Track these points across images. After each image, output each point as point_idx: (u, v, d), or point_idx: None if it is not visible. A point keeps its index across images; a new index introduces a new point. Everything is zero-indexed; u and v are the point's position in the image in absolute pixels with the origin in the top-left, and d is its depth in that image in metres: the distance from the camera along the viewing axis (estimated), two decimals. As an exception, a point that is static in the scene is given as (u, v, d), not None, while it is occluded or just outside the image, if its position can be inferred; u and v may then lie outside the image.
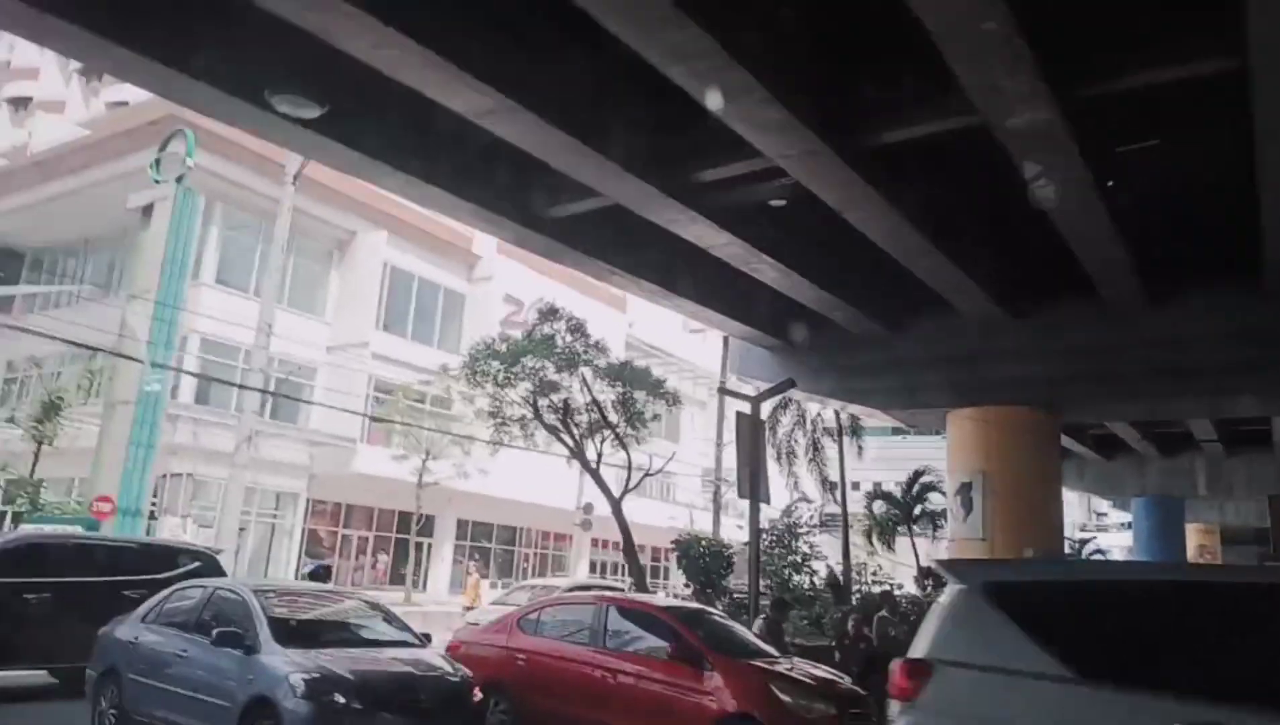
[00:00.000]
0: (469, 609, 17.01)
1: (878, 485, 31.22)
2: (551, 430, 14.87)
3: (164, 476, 16.63)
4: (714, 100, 7.03)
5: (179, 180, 17.43)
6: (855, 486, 25.56)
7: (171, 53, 7.10)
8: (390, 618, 7.57)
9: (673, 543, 15.37)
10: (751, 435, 10.33)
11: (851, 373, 14.94)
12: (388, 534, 33.41)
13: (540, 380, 14.23)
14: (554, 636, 7.75)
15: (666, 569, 47.79)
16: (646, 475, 15.60)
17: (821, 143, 7.80)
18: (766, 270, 11.64)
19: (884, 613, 9.90)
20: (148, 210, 17.43)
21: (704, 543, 15.17)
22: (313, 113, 7.38)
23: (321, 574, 8.89)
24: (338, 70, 7.36)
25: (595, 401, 14.44)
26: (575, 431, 14.80)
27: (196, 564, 9.61)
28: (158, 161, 18.89)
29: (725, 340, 30.37)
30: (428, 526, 34.32)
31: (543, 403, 14.45)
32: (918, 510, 22.05)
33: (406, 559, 33.47)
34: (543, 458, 27.91)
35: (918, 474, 22.02)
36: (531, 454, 27.00)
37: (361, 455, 29.18)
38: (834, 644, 9.48)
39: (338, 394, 29.66)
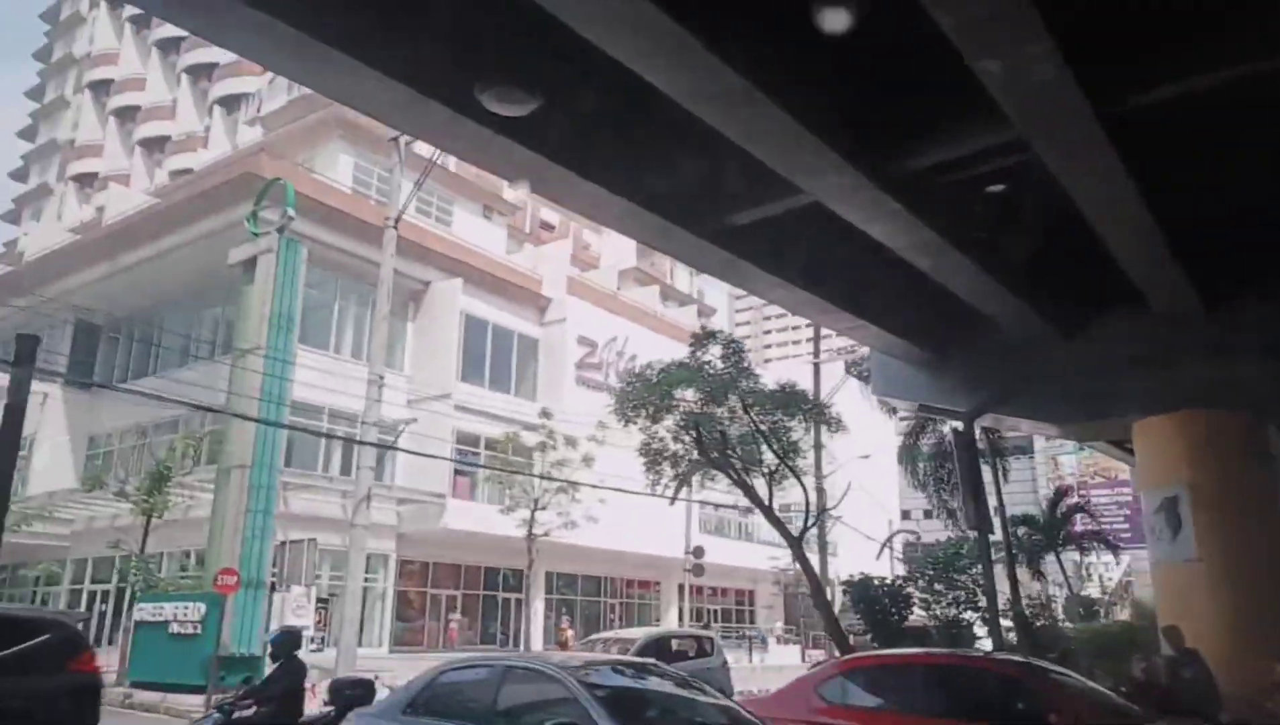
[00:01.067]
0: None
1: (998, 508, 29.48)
2: (715, 465, 13.67)
3: (282, 544, 15.74)
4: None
5: (280, 231, 16.83)
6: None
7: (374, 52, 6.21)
8: (702, 689, 6.06)
9: (844, 583, 14.04)
10: (968, 458, 9.12)
11: (1018, 384, 13.62)
12: (475, 591, 32.34)
13: (689, 412, 13.08)
14: (873, 707, 6.41)
15: (751, 612, 46.36)
16: (823, 513, 14.31)
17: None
18: (949, 268, 10.50)
19: (1169, 652, 8.57)
20: (250, 264, 16.81)
21: (877, 581, 13.83)
22: (525, 107, 6.45)
23: (286, 643, 7.28)
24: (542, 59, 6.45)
25: (760, 431, 13.25)
26: (736, 466, 13.61)
27: (45, 637, 7.85)
28: (254, 215, 18.36)
29: (816, 368, 29.41)
30: (518, 581, 33.27)
31: (690, 436, 13.26)
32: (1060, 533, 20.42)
33: (496, 616, 32.45)
34: (630, 503, 27.09)
35: (1060, 494, 20.45)
36: (626, 499, 26.31)
37: (450, 511, 28.25)
38: (1121, 689, 8.12)
39: (423, 448, 29.00)
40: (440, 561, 30.65)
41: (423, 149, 35.53)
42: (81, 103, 45.44)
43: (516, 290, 33.25)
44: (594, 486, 20.05)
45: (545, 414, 23.51)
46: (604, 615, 37.13)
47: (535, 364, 34.10)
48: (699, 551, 25.82)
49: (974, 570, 14.49)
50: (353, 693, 6.78)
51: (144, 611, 14.91)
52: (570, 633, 28.68)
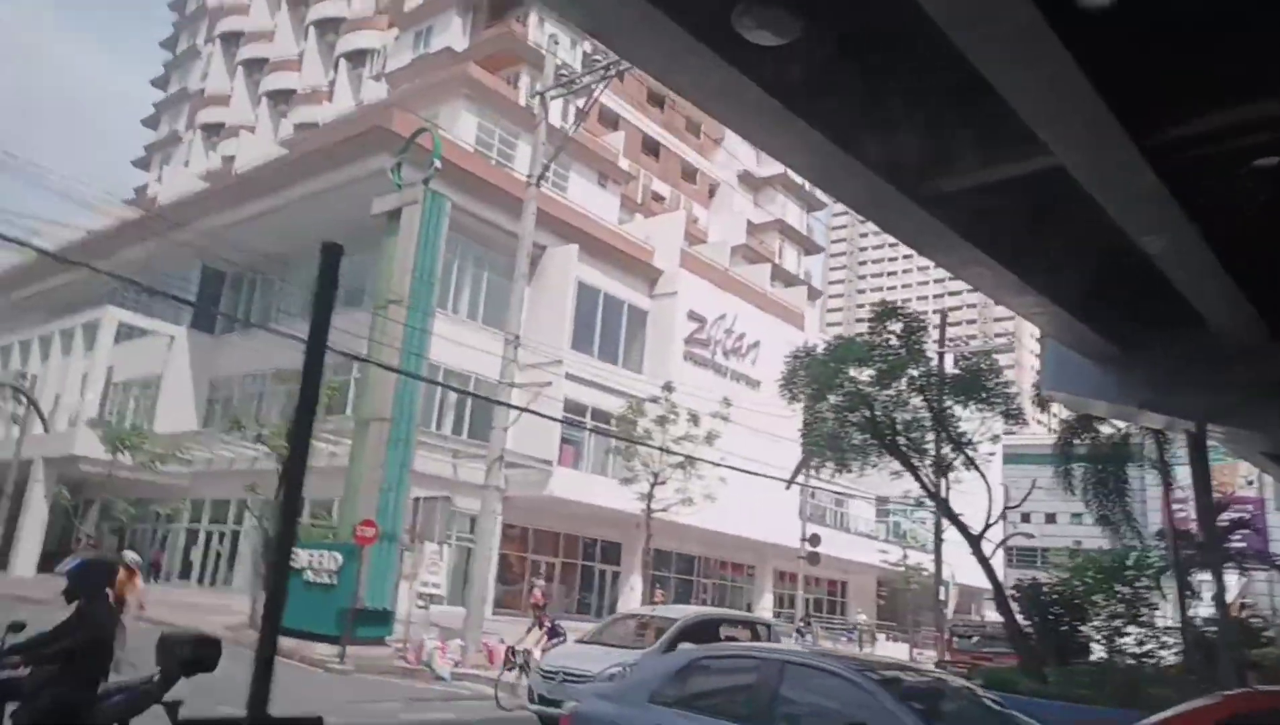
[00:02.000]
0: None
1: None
2: (892, 451, 12.76)
3: (416, 500, 15.57)
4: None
5: (426, 182, 16.56)
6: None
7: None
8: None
9: (1014, 588, 13.04)
10: (1201, 463, 8.11)
11: (1225, 388, 12.35)
12: (573, 560, 32.20)
13: (856, 392, 12.18)
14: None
15: (843, 604, 45.35)
16: (1008, 509, 13.32)
17: None
18: (1181, 254, 9.39)
19: None
20: (393, 216, 16.58)
21: (1046, 587, 12.78)
22: (782, 36, 5.68)
23: (87, 577, 5.22)
24: None
25: (938, 414, 12.29)
26: (906, 451, 12.66)
27: None
28: (398, 166, 18.15)
29: (940, 358, 28.04)
30: (614, 554, 33.04)
31: (856, 417, 12.38)
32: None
33: (592, 586, 32.32)
34: (732, 484, 26.39)
35: (1219, 506, 18.89)
36: (728, 480, 25.63)
37: (556, 478, 28.01)
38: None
39: (531, 413, 28.87)
40: (541, 528, 30.53)
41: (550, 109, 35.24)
42: (212, 53, 46.58)
43: (629, 260, 32.69)
44: (716, 464, 19.36)
45: (667, 387, 22.89)
46: (695, 594, 36.65)
47: (643, 336, 33.56)
48: (815, 539, 24.84)
49: (1139, 583, 13.37)
50: (193, 653, 4.80)
51: (279, 558, 14.87)
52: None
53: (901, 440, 12.59)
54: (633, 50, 7.71)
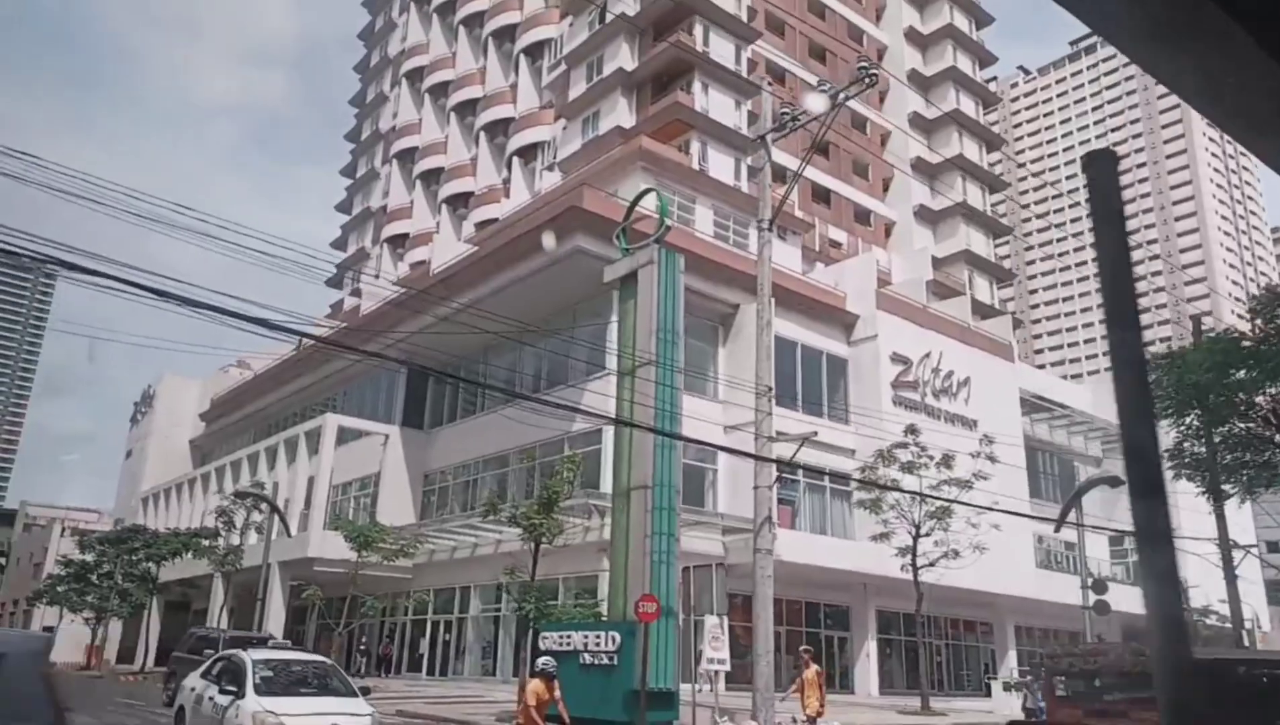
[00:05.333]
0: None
1: None
2: None
3: (686, 570, 14.86)
4: None
5: (656, 242, 16.31)
6: None
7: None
8: None
9: None
10: None
11: None
12: (798, 628, 30.45)
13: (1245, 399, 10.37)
14: None
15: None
16: None
17: None
18: None
19: None
20: (628, 279, 16.38)
21: None
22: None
23: None
24: None
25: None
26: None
27: None
28: (623, 231, 18.09)
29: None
30: (840, 618, 31.18)
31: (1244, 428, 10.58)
32: None
33: (820, 657, 30.53)
34: (956, 532, 24.25)
35: None
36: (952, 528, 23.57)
37: (778, 541, 26.64)
38: None
39: (740, 477, 27.95)
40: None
41: (722, 169, 34.90)
42: (390, 172, 49.78)
43: (822, 309, 31.58)
44: (988, 508, 17.65)
45: (912, 430, 21.38)
46: (928, 658, 33.96)
47: (844, 385, 32.17)
48: (1101, 585, 22.05)
49: None
50: None
51: (549, 640, 14.43)
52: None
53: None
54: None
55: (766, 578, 13.75)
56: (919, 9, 47.28)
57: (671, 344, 15.48)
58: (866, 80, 14.64)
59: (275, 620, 30.78)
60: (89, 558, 36.74)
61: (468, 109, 45.43)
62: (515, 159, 40.40)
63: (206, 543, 32.39)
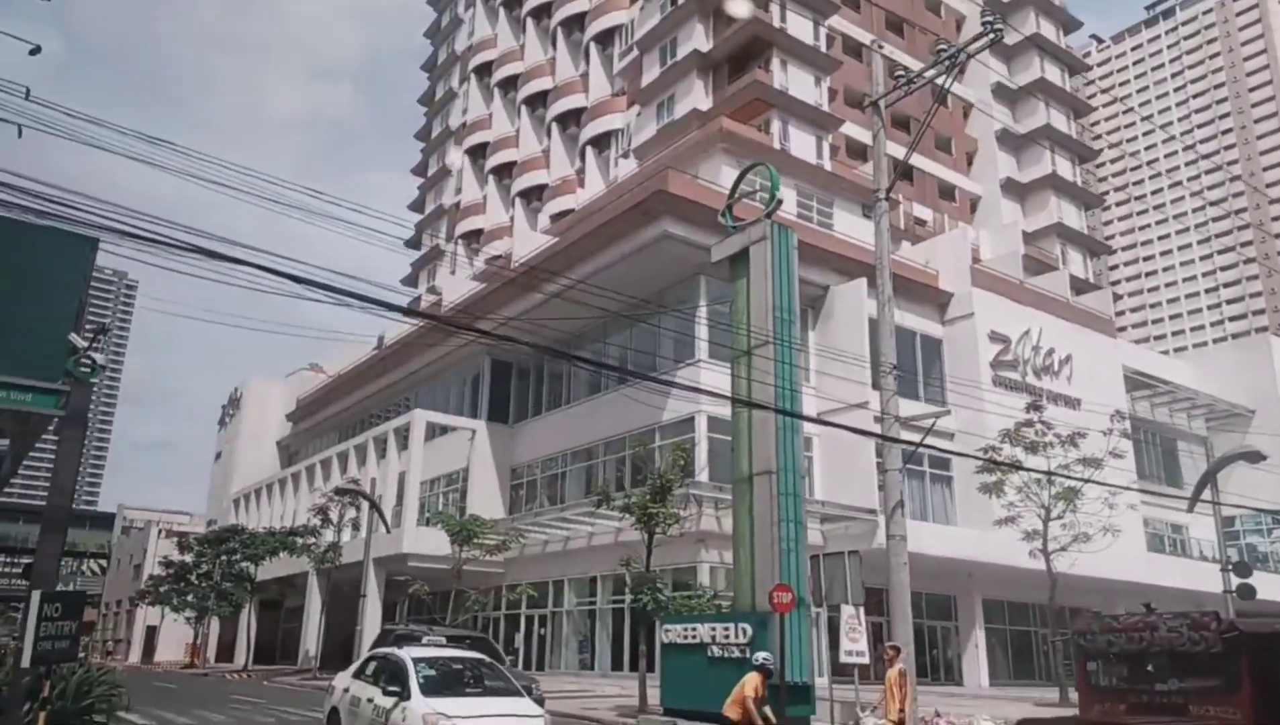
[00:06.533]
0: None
1: None
2: None
3: (815, 558, 14.19)
4: None
5: (768, 216, 15.59)
6: None
7: None
8: None
9: None
10: None
11: None
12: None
13: None
14: None
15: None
16: None
17: None
18: None
19: None
20: (738, 258, 15.69)
21: None
22: None
23: None
24: None
25: None
26: None
27: None
28: (728, 209, 17.39)
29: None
30: (942, 608, 30.06)
31: None
32: None
33: (923, 647, 29.46)
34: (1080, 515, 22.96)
35: None
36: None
37: (883, 528, 25.66)
38: None
39: (843, 460, 27.07)
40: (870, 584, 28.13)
41: (803, 148, 33.87)
42: (462, 167, 49.82)
43: (914, 288, 30.38)
44: (1122, 488, 16.54)
45: (1034, 407, 20.25)
46: (1035, 648, 32.58)
47: (939, 366, 30.96)
48: (1245, 568, 20.61)
49: None
50: None
51: (672, 633, 13.90)
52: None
53: None
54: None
55: (902, 565, 12.96)
56: (999, -25, 45.38)
57: (789, 322, 14.75)
58: (992, 35, 13.70)
59: (371, 616, 30.92)
60: (188, 558, 37.54)
61: (538, 101, 45.12)
62: (589, 148, 39.94)
63: (303, 541, 32.73)
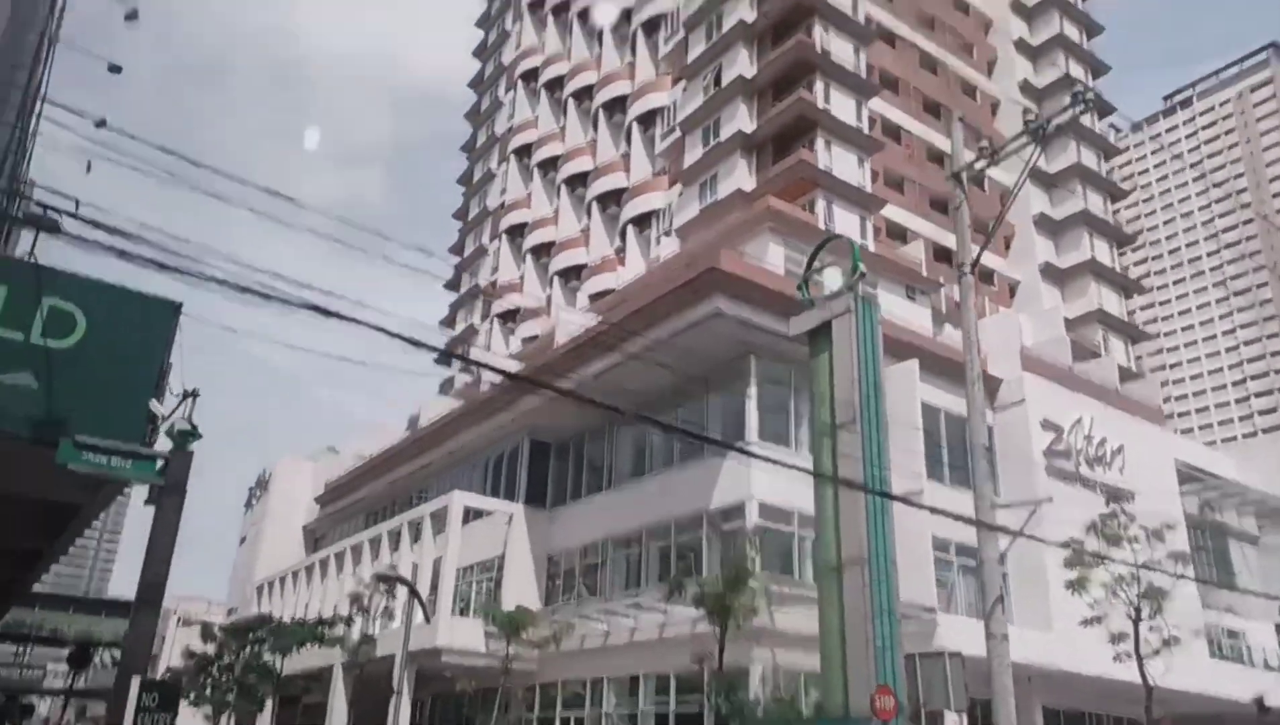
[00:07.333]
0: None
1: None
2: None
3: (910, 657, 13.06)
4: None
5: (851, 289, 15.02)
6: None
7: None
8: None
9: None
10: None
11: None
12: None
13: None
14: None
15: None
16: None
17: None
18: None
19: None
20: (818, 332, 15.03)
21: None
22: None
23: None
24: None
25: None
26: None
27: None
28: (804, 282, 16.88)
29: None
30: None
31: None
32: None
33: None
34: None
35: None
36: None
37: (943, 627, 24.23)
38: None
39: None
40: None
41: (847, 227, 33.50)
42: (499, 247, 50.04)
43: (962, 372, 29.47)
44: (1210, 583, 15.38)
45: (1115, 497, 19.18)
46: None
47: (990, 454, 29.79)
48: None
49: None
50: None
51: (756, 743, 12.72)
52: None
53: None
54: None
55: (1005, 668, 11.84)
56: (1032, 60, 45.92)
57: (876, 398, 13.98)
58: (1083, 104, 13.29)
59: (402, 716, 29.37)
60: (209, 649, 36.13)
61: (578, 181, 45.47)
62: (630, 227, 39.94)
63: (334, 630, 31.32)
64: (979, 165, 14.17)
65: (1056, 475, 29.18)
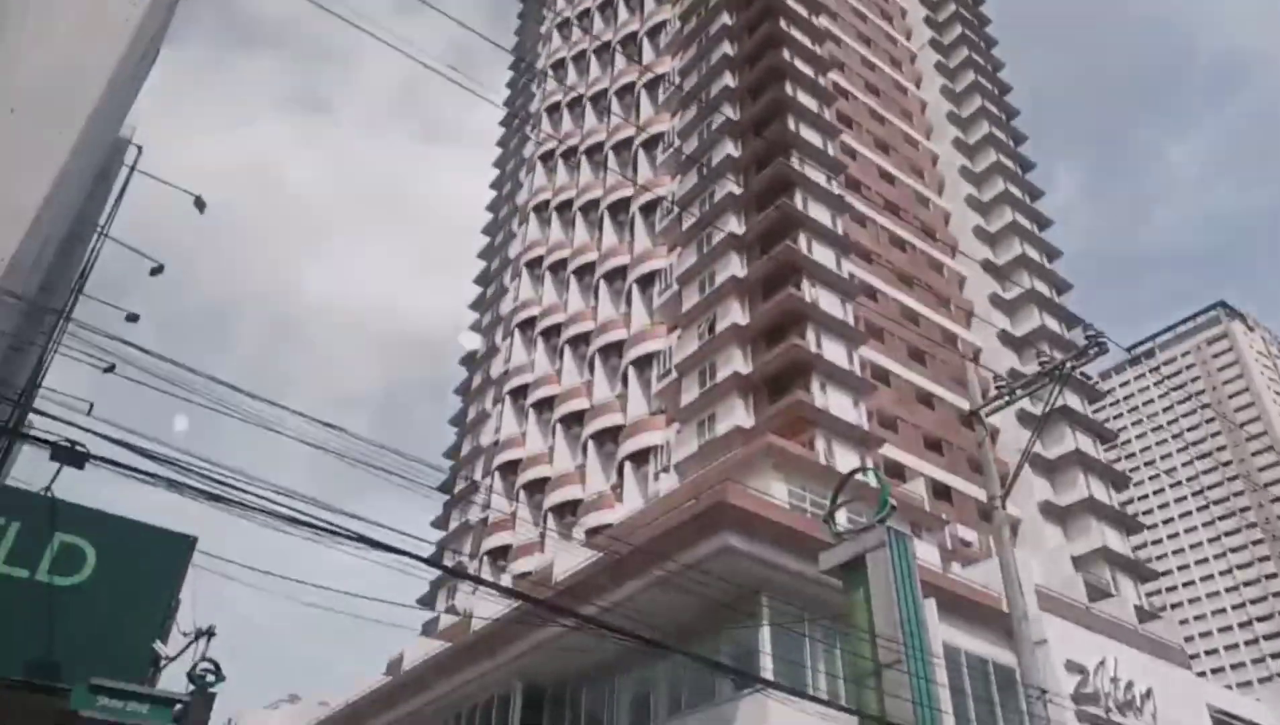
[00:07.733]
0: None
1: None
2: None
3: None
4: None
5: (882, 521, 14.82)
6: None
7: None
8: None
9: None
10: None
11: None
12: None
13: None
14: None
15: None
16: None
17: None
18: None
19: None
20: (849, 566, 14.64)
21: None
22: None
23: None
24: None
25: None
26: None
27: None
28: (830, 516, 16.66)
29: None
30: None
31: None
32: None
33: None
34: None
35: None
36: None
37: None
38: None
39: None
40: None
41: (846, 465, 33.80)
42: (489, 484, 49.70)
43: (978, 611, 28.62)
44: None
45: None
46: None
47: (1014, 699, 28.24)
48: None
49: None
50: None
51: None
52: None
53: None
54: None
55: None
56: (1009, 315, 48.43)
57: (920, 634, 13.40)
58: (1094, 349, 13.93)
59: None
60: None
61: (574, 420, 46.17)
62: (627, 464, 40.06)
63: None
64: (999, 403, 14.49)
65: (1088, 721, 27.61)
